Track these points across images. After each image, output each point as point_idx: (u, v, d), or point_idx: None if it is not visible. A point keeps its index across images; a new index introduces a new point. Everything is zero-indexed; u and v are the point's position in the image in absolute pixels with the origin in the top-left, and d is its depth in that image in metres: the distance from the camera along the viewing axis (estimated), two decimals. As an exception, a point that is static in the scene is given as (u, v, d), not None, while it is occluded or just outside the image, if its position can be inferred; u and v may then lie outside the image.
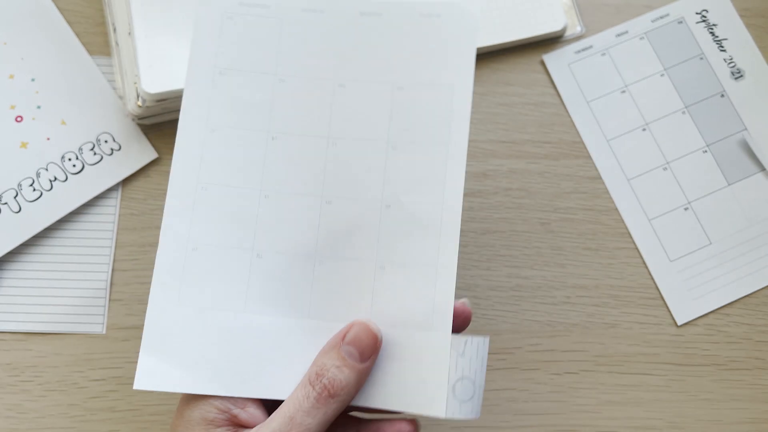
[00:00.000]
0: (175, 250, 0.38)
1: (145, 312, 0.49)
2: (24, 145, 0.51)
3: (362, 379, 0.37)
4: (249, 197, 0.38)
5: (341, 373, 0.36)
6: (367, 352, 0.37)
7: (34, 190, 0.50)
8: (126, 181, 0.52)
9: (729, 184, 0.53)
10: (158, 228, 0.51)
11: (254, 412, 0.37)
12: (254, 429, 0.36)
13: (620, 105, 0.54)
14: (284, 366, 0.37)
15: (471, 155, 0.53)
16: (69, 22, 0.53)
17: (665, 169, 0.53)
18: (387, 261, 0.38)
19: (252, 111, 0.39)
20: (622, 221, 0.52)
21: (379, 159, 0.39)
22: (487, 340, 0.37)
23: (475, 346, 0.37)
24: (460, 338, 0.37)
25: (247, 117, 0.39)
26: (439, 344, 0.37)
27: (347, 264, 0.38)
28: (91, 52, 0.53)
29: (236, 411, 0.37)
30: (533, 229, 0.52)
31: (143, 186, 0.52)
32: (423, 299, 0.37)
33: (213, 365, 0.37)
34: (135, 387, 0.37)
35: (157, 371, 0.37)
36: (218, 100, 0.39)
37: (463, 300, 0.39)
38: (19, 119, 0.51)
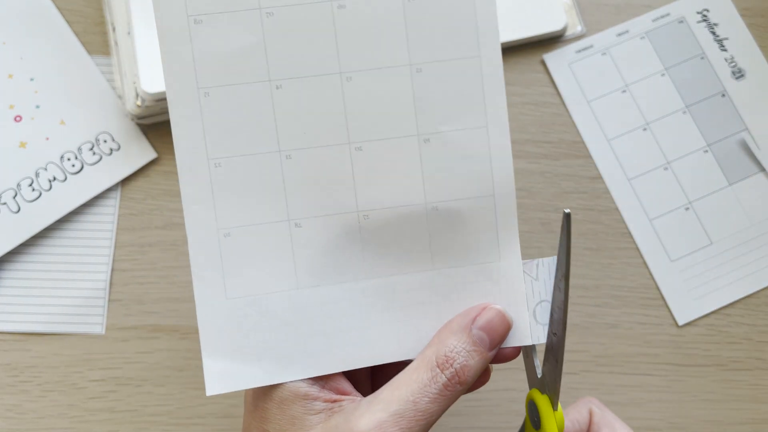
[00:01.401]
0: (206, 241, 0.35)
1: (144, 312, 0.50)
2: (23, 144, 0.51)
3: (484, 368, 0.35)
4: (269, 162, 0.35)
5: (472, 359, 0.34)
6: (497, 341, 0.35)
7: (33, 190, 0.50)
8: (125, 181, 0.51)
9: (730, 184, 0.52)
10: (158, 228, 0.51)
11: (339, 380, 0.35)
12: (366, 404, 0.33)
13: (621, 105, 0.54)
14: (355, 333, 0.35)
15: (471, 155, 0.52)
16: (68, 22, 0.53)
17: (666, 168, 0.53)
18: (438, 200, 0.35)
19: (244, 60, 0.34)
20: (623, 221, 0.52)
21: (405, 87, 0.35)
22: (555, 259, 0.35)
23: (546, 267, 0.35)
24: (531, 263, 0.36)
25: (240, 68, 0.34)
26: (510, 273, 0.36)
27: (394, 212, 0.35)
28: (90, 52, 0.53)
29: (322, 381, 0.35)
30: (534, 229, 0.52)
31: (142, 186, 0.52)
32: (485, 230, 0.36)
33: (280, 351, 0.35)
34: (208, 393, 0.34)
35: (226, 372, 0.35)
36: (201, 54, 0.34)
37: None
38: (18, 119, 0.51)
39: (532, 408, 0.37)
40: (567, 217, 0.33)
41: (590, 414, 0.40)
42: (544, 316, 0.35)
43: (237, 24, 0.34)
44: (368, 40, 0.34)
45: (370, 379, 0.40)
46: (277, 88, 0.35)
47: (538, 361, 0.37)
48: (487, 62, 0.35)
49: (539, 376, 0.36)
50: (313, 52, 0.34)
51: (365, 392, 0.36)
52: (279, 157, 0.35)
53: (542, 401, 0.36)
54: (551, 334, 0.35)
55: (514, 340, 0.35)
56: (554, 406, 0.35)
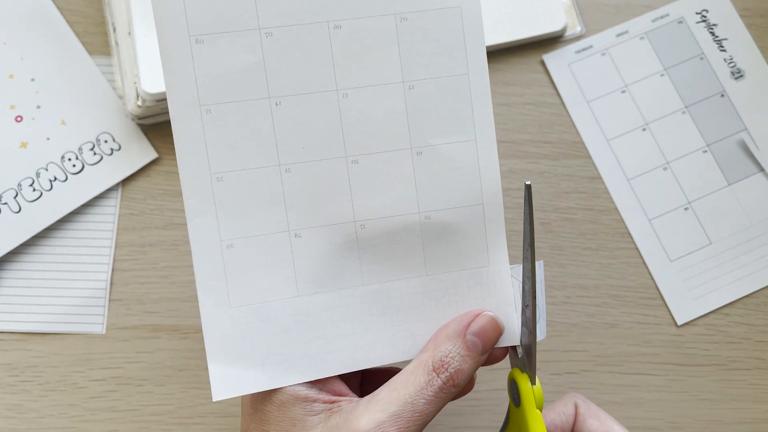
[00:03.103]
0: (210, 252, 0.36)
1: (145, 312, 0.50)
2: (24, 145, 0.51)
3: (476, 370, 0.37)
4: (269, 176, 0.36)
5: (465, 363, 0.35)
6: (489, 345, 0.36)
7: (34, 190, 0.50)
8: (126, 181, 0.52)
9: (729, 184, 0.53)
10: (158, 228, 0.51)
11: (336, 382, 0.37)
12: (365, 405, 0.35)
13: (620, 105, 0.54)
14: (353, 337, 0.37)
15: (471, 155, 0.52)
16: (69, 22, 0.53)
17: (665, 169, 0.53)
18: (431, 210, 0.37)
19: (244, 78, 0.36)
20: (622, 221, 0.52)
21: (399, 102, 0.36)
22: (540, 263, 0.37)
23: None
24: (518, 267, 0.37)
25: (240, 86, 0.36)
26: (499, 277, 0.38)
27: (390, 222, 0.37)
28: (91, 52, 0.53)
29: (320, 383, 0.36)
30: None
31: (143, 186, 0.52)
32: (474, 237, 0.37)
33: (283, 356, 0.36)
34: (214, 399, 0.36)
35: (231, 378, 0.36)
36: (203, 73, 0.35)
37: None
38: (18, 119, 0.51)
39: (513, 386, 0.38)
40: (528, 189, 0.35)
41: (575, 406, 0.41)
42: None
43: (237, 44, 0.35)
44: (363, 58, 0.36)
45: (359, 380, 0.41)
46: (277, 104, 0.36)
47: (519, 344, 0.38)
48: (475, 79, 0.37)
49: (520, 356, 0.37)
50: (310, 70, 0.36)
51: (354, 393, 0.38)
52: (279, 170, 0.36)
53: (521, 378, 0.37)
54: (524, 306, 0.37)
55: (503, 341, 0.37)
56: (532, 381, 0.37)
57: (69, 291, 0.50)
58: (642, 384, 0.50)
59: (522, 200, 0.52)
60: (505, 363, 0.50)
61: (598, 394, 0.49)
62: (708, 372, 0.50)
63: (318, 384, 0.36)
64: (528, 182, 0.35)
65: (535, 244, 0.51)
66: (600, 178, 0.53)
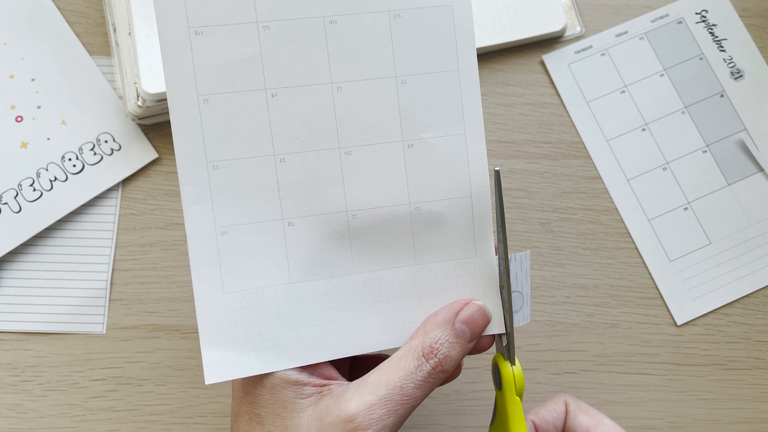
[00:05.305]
0: (204, 239, 0.37)
1: (145, 311, 0.50)
2: (24, 145, 0.51)
3: (463, 357, 0.38)
4: (264, 165, 0.37)
5: (454, 350, 0.36)
6: (477, 333, 0.37)
7: (35, 190, 0.50)
8: (126, 181, 0.52)
9: (728, 184, 0.53)
10: (159, 228, 0.51)
11: (326, 366, 0.38)
12: (355, 388, 0.35)
13: (620, 105, 0.54)
14: (343, 324, 0.38)
15: (471, 155, 0.53)
16: (69, 22, 0.53)
17: (665, 169, 0.53)
18: (420, 201, 0.38)
19: (242, 69, 0.36)
20: (622, 221, 0.52)
21: (391, 96, 0.38)
22: (527, 253, 0.39)
23: (518, 261, 0.38)
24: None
25: (237, 77, 0.36)
26: (485, 267, 0.38)
27: (381, 212, 0.38)
28: (91, 52, 0.53)
29: (311, 368, 0.37)
30: (533, 229, 0.52)
31: (143, 186, 0.52)
32: (463, 228, 0.38)
33: (275, 341, 0.37)
34: (207, 382, 0.36)
35: (223, 362, 0.37)
36: (201, 64, 0.36)
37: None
38: (19, 119, 0.51)
39: (495, 370, 0.39)
40: (497, 174, 0.37)
41: (565, 404, 0.42)
42: (516, 305, 0.39)
43: (235, 36, 0.36)
44: (357, 53, 0.37)
45: (349, 366, 0.42)
46: (273, 96, 0.37)
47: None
48: (465, 75, 0.38)
49: (505, 344, 0.38)
50: (306, 63, 0.37)
51: (344, 378, 0.38)
52: (274, 160, 0.37)
53: (503, 362, 0.38)
54: (500, 287, 0.38)
55: (490, 329, 0.38)
56: (512, 361, 0.38)
57: (69, 291, 0.50)
58: (641, 384, 0.50)
59: (519, 200, 0.52)
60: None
61: (597, 393, 0.50)
62: (707, 372, 0.50)
63: (309, 368, 0.37)
64: (497, 168, 0.37)
65: (535, 243, 0.52)
66: (600, 178, 0.53)
